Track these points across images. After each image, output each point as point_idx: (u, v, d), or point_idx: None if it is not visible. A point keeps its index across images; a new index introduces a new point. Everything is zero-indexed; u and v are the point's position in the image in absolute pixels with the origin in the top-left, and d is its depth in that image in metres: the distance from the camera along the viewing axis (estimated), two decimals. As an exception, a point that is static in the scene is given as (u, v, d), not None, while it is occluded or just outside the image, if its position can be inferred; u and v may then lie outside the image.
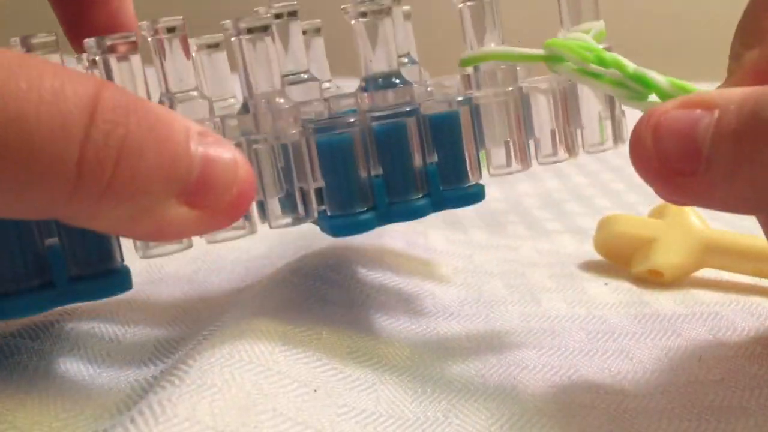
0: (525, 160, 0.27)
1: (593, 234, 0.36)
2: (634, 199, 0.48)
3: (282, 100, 0.24)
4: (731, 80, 0.25)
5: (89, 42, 0.23)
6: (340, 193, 0.25)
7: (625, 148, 0.24)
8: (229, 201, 0.20)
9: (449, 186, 0.26)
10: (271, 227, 0.25)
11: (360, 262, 0.32)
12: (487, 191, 0.27)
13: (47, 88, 0.18)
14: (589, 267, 0.36)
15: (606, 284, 0.33)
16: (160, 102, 0.25)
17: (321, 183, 0.25)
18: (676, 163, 0.22)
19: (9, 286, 0.22)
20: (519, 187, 0.52)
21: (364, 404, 0.23)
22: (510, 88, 0.26)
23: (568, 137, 0.28)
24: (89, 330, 0.26)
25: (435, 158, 0.26)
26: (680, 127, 0.22)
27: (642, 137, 0.23)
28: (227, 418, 0.20)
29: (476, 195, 0.27)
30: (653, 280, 0.33)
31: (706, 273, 0.35)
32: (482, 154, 0.27)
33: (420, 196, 0.26)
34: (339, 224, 0.25)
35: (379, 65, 0.25)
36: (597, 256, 0.36)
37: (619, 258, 0.35)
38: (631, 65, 0.24)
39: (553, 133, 0.28)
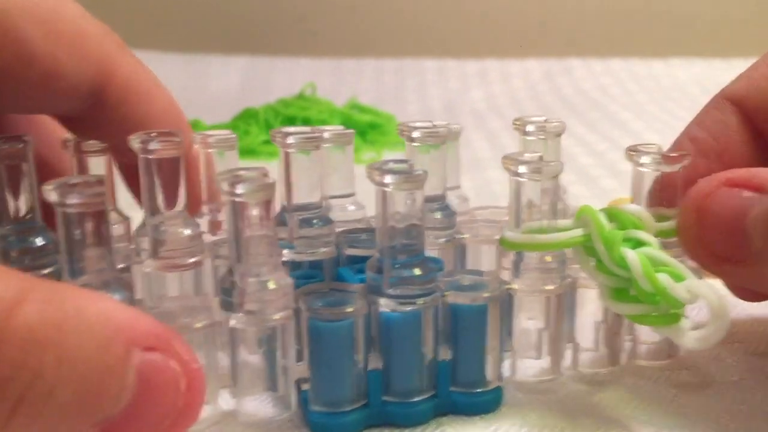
0: (559, 362, 0.23)
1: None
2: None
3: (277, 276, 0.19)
4: None
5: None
6: (327, 388, 0.20)
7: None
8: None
9: (462, 388, 0.22)
10: (240, 420, 0.21)
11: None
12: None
13: None
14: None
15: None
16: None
17: (305, 373, 0.21)
18: (723, 250, 0.20)
19: None
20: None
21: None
22: (556, 284, 0.22)
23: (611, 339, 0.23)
24: None
25: (449, 355, 0.21)
26: (727, 214, 0.19)
27: (686, 220, 0.20)
28: None
29: (491, 402, 0.22)
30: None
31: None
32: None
33: (423, 397, 0.21)
34: (321, 422, 0.21)
35: (402, 237, 0.20)
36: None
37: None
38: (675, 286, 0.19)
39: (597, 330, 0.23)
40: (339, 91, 0.72)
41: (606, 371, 0.24)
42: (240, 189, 0.18)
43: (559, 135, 0.25)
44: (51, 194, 0.17)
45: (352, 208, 0.25)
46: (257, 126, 0.59)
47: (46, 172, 0.24)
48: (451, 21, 0.96)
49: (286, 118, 0.60)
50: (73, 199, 0.17)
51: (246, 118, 0.61)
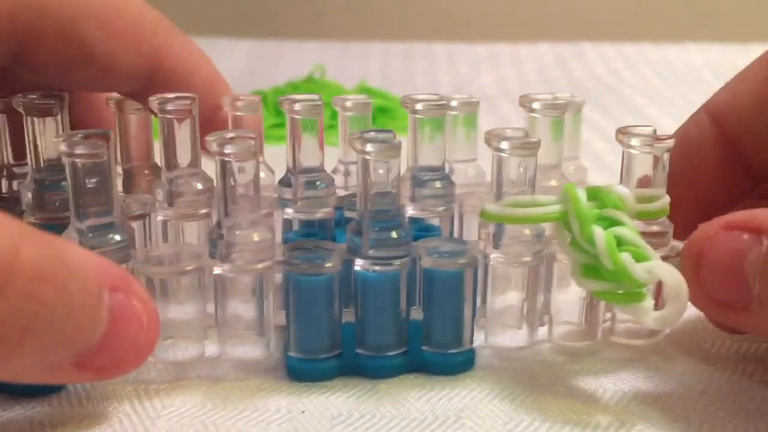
0: (533, 332, 0.24)
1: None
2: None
3: (260, 231, 0.21)
4: None
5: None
6: (302, 336, 0.22)
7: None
8: (126, 363, 0.19)
9: (435, 348, 0.23)
10: (224, 359, 0.23)
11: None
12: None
13: None
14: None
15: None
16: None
17: (283, 320, 0.22)
18: (725, 297, 0.19)
19: None
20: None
21: (363, 408, 0.22)
22: (532, 256, 0.23)
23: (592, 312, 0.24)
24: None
25: (421, 315, 0.23)
26: (726, 258, 0.19)
27: (687, 267, 0.20)
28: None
29: (463, 363, 0.23)
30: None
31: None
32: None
33: (394, 353, 0.23)
34: (297, 367, 0.22)
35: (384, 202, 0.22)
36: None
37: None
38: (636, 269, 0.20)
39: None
40: (346, 74, 0.72)
41: (582, 344, 0.24)
42: (228, 148, 0.20)
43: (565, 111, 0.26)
44: (60, 145, 0.20)
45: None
46: (266, 109, 0.59)
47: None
48: (460, 4, 0.96)
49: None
50: (78, 150, 0.20)
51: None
